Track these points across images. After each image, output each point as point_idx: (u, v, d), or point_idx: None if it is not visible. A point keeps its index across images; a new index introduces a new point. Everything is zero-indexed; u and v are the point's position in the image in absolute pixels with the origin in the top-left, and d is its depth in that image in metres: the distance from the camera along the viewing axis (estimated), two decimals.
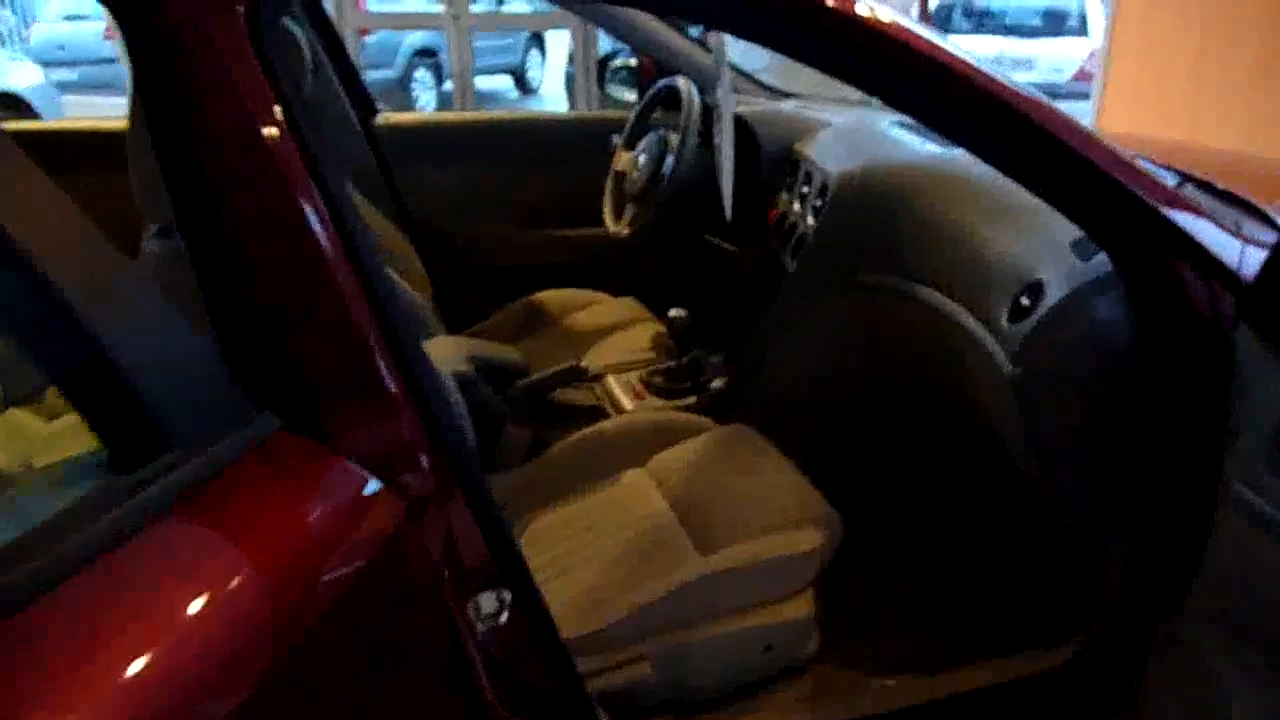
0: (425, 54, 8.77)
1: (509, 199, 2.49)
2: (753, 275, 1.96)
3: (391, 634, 0.90)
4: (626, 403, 1.85)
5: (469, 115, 3.21)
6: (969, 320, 1.42)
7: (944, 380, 1.59)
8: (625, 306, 2.30)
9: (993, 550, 1.82)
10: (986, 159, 1.17)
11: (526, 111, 2.70)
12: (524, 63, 10.13)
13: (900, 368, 1.75)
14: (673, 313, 1.85)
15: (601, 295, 2.36)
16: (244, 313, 0.88)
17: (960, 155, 1.70)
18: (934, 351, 1.58)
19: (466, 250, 2.49)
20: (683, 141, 1.94)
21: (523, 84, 10.26)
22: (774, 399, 1.86)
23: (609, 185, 2.25)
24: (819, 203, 1.76)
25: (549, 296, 2.35)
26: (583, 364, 1.77)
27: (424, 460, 0.93)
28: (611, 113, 2.57)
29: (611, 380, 1.94)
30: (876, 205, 1.67)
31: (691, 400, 1.85)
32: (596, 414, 1.87)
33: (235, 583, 0.72)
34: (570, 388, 1.89)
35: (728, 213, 1.78)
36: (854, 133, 1.93)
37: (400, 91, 8.47)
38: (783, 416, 1.85)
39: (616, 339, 2.14)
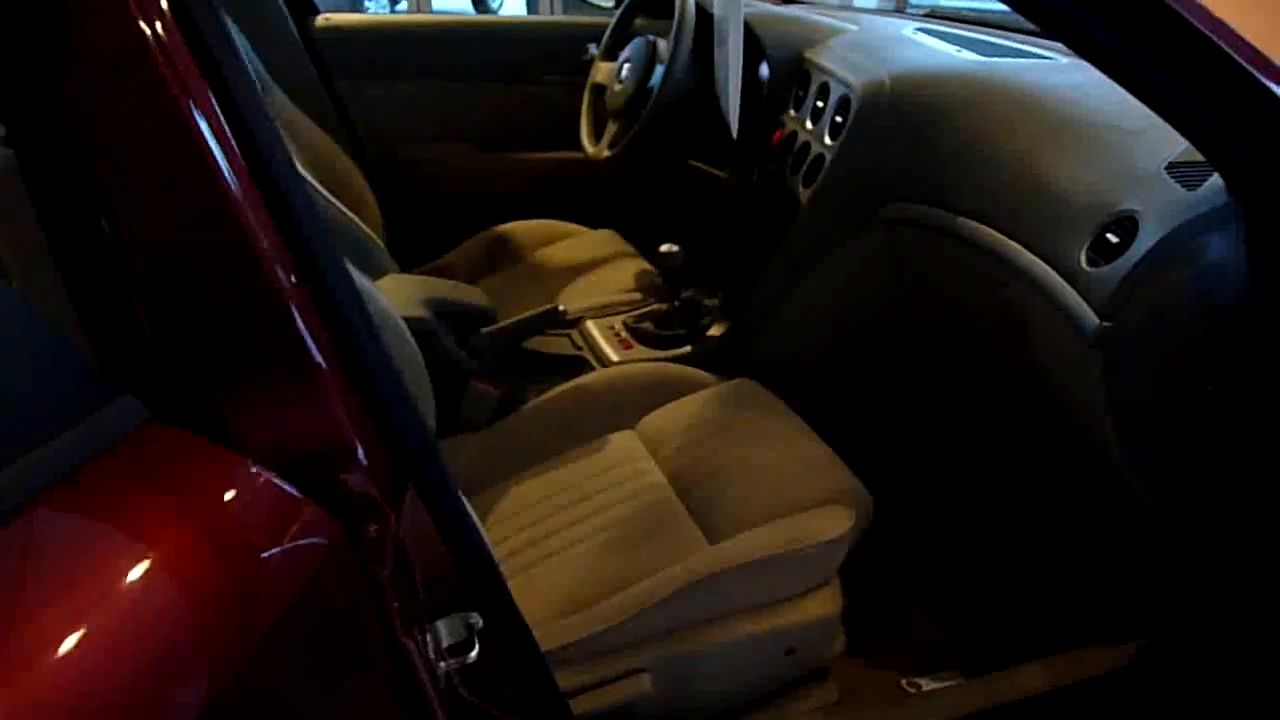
0: None
1: (471, 116, 2.19)
2: (756, 206, 1.70)
3: (322, 700, 0.66)
4: (611, 352, 1.60)
5: (424, 18, 2.82)
6: (1031, 261, 1.18)
7: (991, 333, 1.35)
8: (605, 240, 2.03)
9: (1040, 532, 1.60)
10: (1081, 48, 0.91)
11: (490, 16, 2.41)
12: None
13: (936, 317, 1.50)
14: (664, 248, 1.59)
15: (577, 227, 2.09)
16: (100, 255, 0.61)
17: (1006, 65, 1.45)
18: (980, 299, 1.34)
19: (422, 175, 2.19)
20: (675, 48, 1.66)
21: (481, 3, 9.71)
22: (783, 351, 1.61)
23: (586, 101, 1.96)
24: (838, 119, 1.50)
25: (517, 228, 2.08)
26: (562, 307, 1.51)
27: (363, 458, 0.68)
28: (586, 18, 2.27)
29: (593, 326, 1.68)
30: (909, 122, 1.41)
31: (686, 350, 1.60)
32: (576, 365, 1.62)
33: (66, 662, 0.47)
34: (545, 335, 1.63)
35: (734, 129, 1.51)
36: (876, 39, 1.66)
37: (350, 9, 7.94)
38: (793, 372, 1.61)
39: (596, 277, 1.88)
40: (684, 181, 2.13)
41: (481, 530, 0.95)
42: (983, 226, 1.28)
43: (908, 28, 1.75)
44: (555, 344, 1.64)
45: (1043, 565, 1.56)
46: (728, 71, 1.47)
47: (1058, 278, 1.13)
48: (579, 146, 1.95)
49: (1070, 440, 1.28)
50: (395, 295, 1.44)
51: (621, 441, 1.41)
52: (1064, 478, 1.48)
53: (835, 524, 1.18)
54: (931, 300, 1.47)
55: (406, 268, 2.04)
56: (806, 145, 1.57)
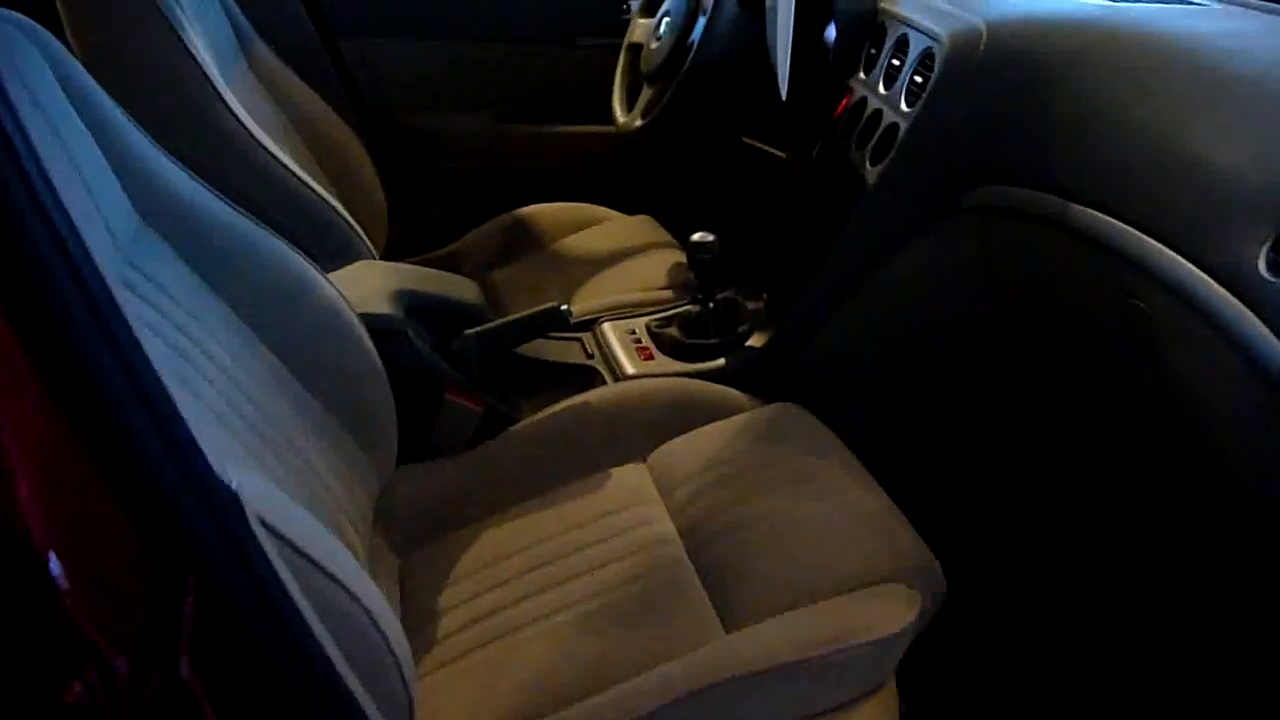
0: None
1: (492, 83, 1.92)
2: (811, 187, 1.39)
3: None
4: (627, 362, 1.31)
5: None
6: (1178, 265, 0.86)
7: (1113, 358, 1.03)
8: (638, 227, 1.74)
9: (1163, 621, 1.27)
10: None
11: None
12: None
13: (1037, 334, 1.18)
14: (696, 237, 1.30)
15: (609, 212, 1.81)
16: None
17: (1137, 10, 1.12)
18: (1101, 312, 1.02)
19: (436, 149, 1.93)
20: None
21: None
22: (838, 369, 1.31)
23: (621, 63, 1.68)
24: (918, 80, 1.18)
25: (540, 212, 1.80)
26: (566, 305, 1.22)
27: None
28: None
29: (610, 329, 1.40)
30: (1011, 82, 1.09)
31: (718, 363, 1.31)
32: (584, 378, 1.33)
33: None
34: (550, 339, 1.35)
35: (783, 89, 1.21)
36: None
37: None
38: (849, 396, 1.31)
39: (623, 271, 1.59)
40: (736, 161, 1.83)
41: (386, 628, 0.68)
42: (1107, 218, 0.96)
43: None
44: (561, 350, 1.36)
45: (1170, 665, 1.22)
46: (778, 19, 1.17)
47: (1220, 290, 0.81)
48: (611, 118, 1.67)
49: (1225, 504, 0.96)
50: (359, 286, 1.18)
51: (628, 478, 1.12)
52: (1209, 552, 1.15)
53: (894, 614, 0.88)
54: (1032, 312, 1.15)
55: (414, 253, 1.79)
56: (878, 114, 1.26)
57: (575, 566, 1.01)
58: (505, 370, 1.29)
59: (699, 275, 1.32)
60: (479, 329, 1.23)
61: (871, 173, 1.20)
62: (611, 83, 1.74)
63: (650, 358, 1.31)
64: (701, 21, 1.43)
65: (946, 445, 1.36)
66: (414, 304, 1.20)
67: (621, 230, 1.74)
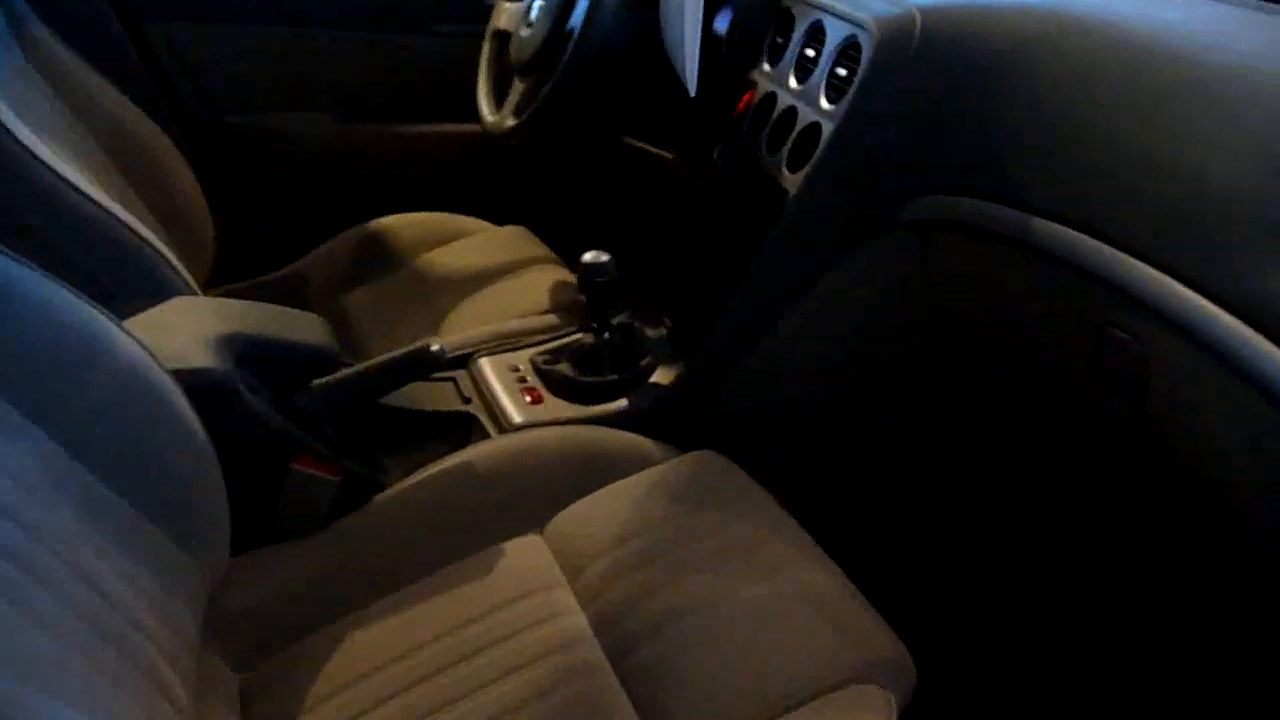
0: None
1: (335, 76, 1.67)
2: (719, 198, 1.22)
3: None
4: (512, 408, 1.11)
5: None
6: (1174, 293, 0.74)
7: (1087, 394, 0.90)
8: (510, 240, 1.54)
9: (1147, 666, 1.16)
10: None
11: None
12: None
13: (991, 367, 1.04)
14: (587, 258, 1.11)
15: (477, 222, 1.60)
16: None
17: None
18: (1068, 343, 0.89)
19: (269, 153, 1.66)
20: None
21: None
22: (759, 408, 1.14)
23: (485, 53, 1.47)
24: (840, 73, 1.03)
25: (396, 225, 1.57)
26: (435, 346, 1.01)
27: None
28: None
29: (488, 366, 1.19)
30: (953, 76, 0.95)
31: (620, 405, 1.12)
32: (460, 429, 1.13)
33: None
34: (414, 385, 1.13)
35: (691, 86, 1.04)
36: None
37: None
38: (773, 439, 1.15)
39: (497, 293, 1.39)
40: (616, 165, 1.64)
41: None
42: (1077, 234, 0.83)
43: None
44: (431, 395, 1.15)
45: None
46: (685, 4, 0.99)
47: (1235, 323, 0.69)
48: (474, 115, 1.46)
49: (1216, 538, 0.84)
50: (173, 334, 0.93)
51: (524, 555, 0.93)
52: (1188, 590, 1.04)
53: (863, 716, 0.72)
54: (983, 338, 1.01)
55: (246, 276, 1.53)
56: (791, 112, 1.10)
57: (467, 680, 0.80)
58: (364, 425, 1.06)
59: (592, 301, 1.13)
60: (329, 379, 1.00)
61: (791, 181, 1.04)
62: (474, 75, 1.53)
63: (539, 401, 1.11)
64: (581, 6, 1.24)
65: (891, 492, 1.22)
66: (246, 351, 0.97)
67: (492, 244, 1.53)
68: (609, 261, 1.10)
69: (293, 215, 1.68)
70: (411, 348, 1.01)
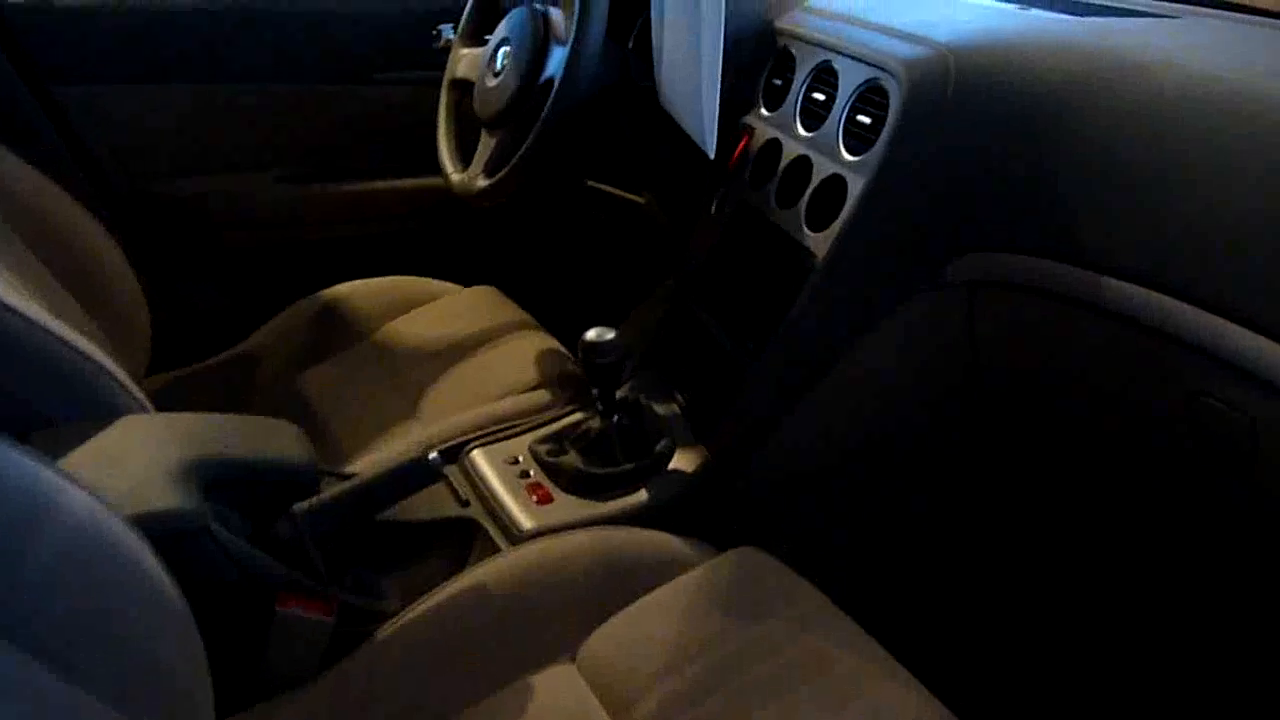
0: None
1: (272, 132, 1.53)
2: (726, 253, 1.11)
3: None
4: (519, 512, 0.99)
5: None
6: None
7: (1179, 462, 0.82)
8: (482, 303, 1.42)
9: None
10: None
11: None
12: None
13: (1059, 442, 0.96)
14: (591, 335, 0.99)
15: (441, 284, 1.47)
16: None
17: (1118, 28, 0.92)
18: (1157, 411, 0.81)
19: (201, 222, 1.51)
20: (583, 17, 1.06)
21: None
22: (796, 489, 1.04)
23: (444, 105, 1.34)
24: (860, 119, 0.94)
25: (353, 292, 1.43)
26: (432, 455, 0.89)
27: None
28: None
29: (482, 460, 1.07)
30: (999, 123, 0.86)
31: (641, 497, 1.01)
32: (461, 537, 1.00)
33: None
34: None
35: (710, 148, 0.93)
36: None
37: None
38: (815, 522, 1.05)
39: (477, 367, 1.26)
40: (584, 212, 1.54)
41: None
42: (1161, 298, 0.75)
43: None
44: (424, 501, 1.02)
45: None
46: (702, 48, 0.89)
47: None
48: (434, 169, 1.33)
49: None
50: (125, 467, 0.79)
51: (557, 690, 0.81)
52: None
53: None
54: (1043, 410, 0.92)
55: (189, 360, 1.38)
56: (804, 162, 1.01)
57: None
58: (352, 543, 0.93)
59: (598, 384, 1.02)
60: (312, 501, 0.87)
61: (816, 240, 0.94)
62: (424, 126, 1.40)
63: (547, 499, 0.99)
64: (558, 53, 1.13)
65: (945, 573, 1.12)
66: (213, 477, 0.83)
67: (461, 308, 1.41)
68: (615, 339, 0.98)
69: (235, 289, 1.53)
70: (404, 460, 0.89)
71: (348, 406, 1.24)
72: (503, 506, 0.99)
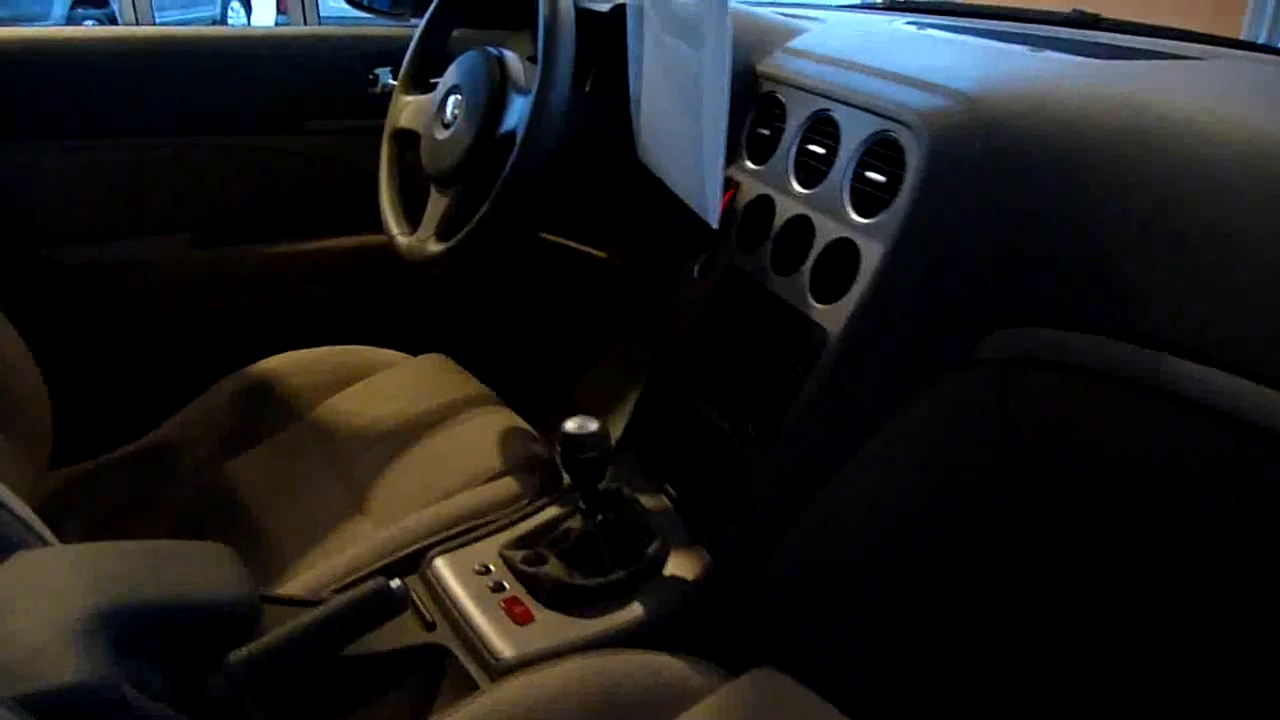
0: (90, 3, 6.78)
1: (178, 190, 1.37)
2: (714, 324, 1.00)
3: None
4: (495, 636, 0.85)
5: (85, 32, 1.50)
6: None
7: (1250, 550, 0.72)
8: (431, 373, 1.28)
9: None
10: None
11: (198, 30, 1.50)
12: (223, 15, 8.23)
13: (1106, 539, 0.85)
14: (571, 426, 0.86)
15: (381, 353, 1.32)
16: None
17: (1142, 72, 0.84)
18: (1223, 495, 0.71)
19: (107, 292, 1.34)
20: (549, 62, 0.94)
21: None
22: (811, 597, 0.92)
23: (385, 158, 1.21)
24: (872, 177, 0.84)
25: (282, 366, 1.28)
26: (395, 583, 0.75)
27: None
28: (363, 28, 1.48)
29: (445, 568, 0.92)
30: (1034, 181, 0.77)
31: (635, 613, 0.87)
32: (432, 666, 0.85)
33: None
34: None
35: (713, 213, 0.82)
36: (874, 41, 1.02)
37: None
38: (833, 635, 0.93)
39: (430, 451, 1.13)
40: (536, 267, 1.41)
41: None
42: (1232, 378, 0.66)
43: (897, 22, 1.13)
44: (394, 636, 0.87)
45: None
46: (705, 106, 0.78)
47: None
48: (371, 225, 1.20)
49: None
50: (21, 623, 0.64)
51: None
52: None
53: None
54: (1088, 495, 0.82)
55: (98, 451, 1.21)
56: (803, 223, 0.90)
57: None
58: (300, 692, 0.78)
59: (579, 480, 0.89)
60: (251, 649, 0.72)
61: (826, 315, 0.83)
62: (359, 178, 1.26)
63: (527, 618, 0.86)
64: (518, 103, 1.01)
65: (983, 686, 1.01)
66: (128, 628, 0.68)
67: (411, 380, 1.27)
68: (599, 431, 0.86)
69: (148, 367, 1.36)
70: (362, 591, 0.75)
71: (282, 505, 1.09)
72: (476, 630, 0.85)
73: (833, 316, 0.83)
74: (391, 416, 1.18)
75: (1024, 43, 0.96)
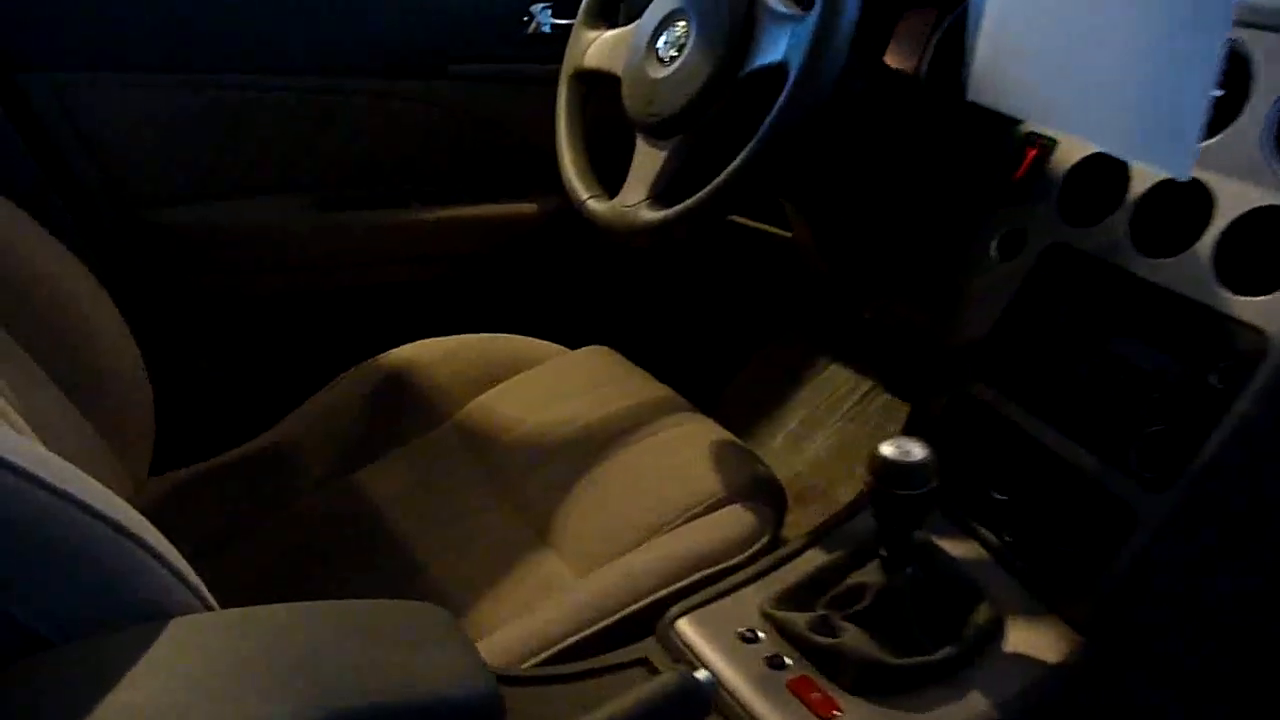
0: None
1: (301, 143, 1.15)
2: (1040, 322, 0.77)
3: None
4: None
5: None
6: None
7: None
8: (602, 371, 1.07)
9: None
10: None
11: None
12: None
13: None
14: (888, 451, 0.64)
15: (537, 344, 1.11)
16: None
17: None
18: None
19: (219, 259, 1.13)
20: None
21: None
22: (1198, 689, 0.70)
23: (564, 106, 0.98)
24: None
25: (421, 357, 1.07)
26: (702, 675, 0.53)
27: None
28: None
29: (696, 636, 0.70)
30: None
31: (978, 705, 0.65)
32: None
33: None
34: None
35: (1186, 169, 0.60)
36: None
37: None
38: None
39: (627, 472, 0.91)
40: (716, 249, 1.19)
41: None
42: None
43: None
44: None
45: None
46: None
47: None
48: (520, 191, 0.97)
49: None
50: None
51: None
52: None
53: None
54: None
55: (204, 455, 1.00)
56: (1193, 190, 0.67)
57: None
58: None
59: (891, 525, 0.67)
60: None
61: (1258, 310, 0.61)
62: (510, 134, 1.04)
63: (833, 709, 0.63)
64: (774, 33, 0.78)
65: None
66: None
67: (579, 377, 1.05)
68: (929, 458, 0.63)
69: (258, 355, 1.15)
70: (665, 686, 0.53)
71: (436, 532, 0.88)
72: (745, 708, 0.63)
73: (1269, 312, 0.60)
74: (562, 422, 0.96)
75: None
